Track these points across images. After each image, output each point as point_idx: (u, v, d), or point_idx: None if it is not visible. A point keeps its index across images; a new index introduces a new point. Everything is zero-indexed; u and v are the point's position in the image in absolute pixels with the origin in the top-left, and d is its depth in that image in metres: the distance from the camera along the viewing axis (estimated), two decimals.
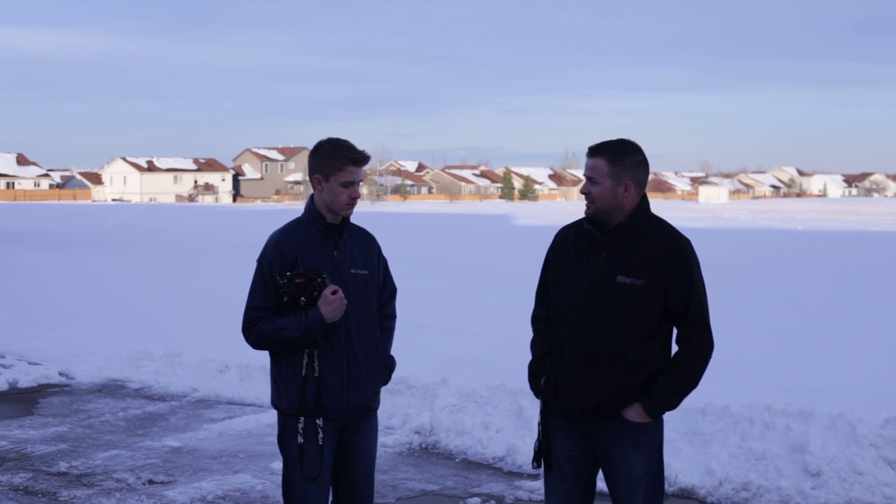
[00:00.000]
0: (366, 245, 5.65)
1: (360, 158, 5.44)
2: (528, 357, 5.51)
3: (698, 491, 8.22)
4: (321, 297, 5.30)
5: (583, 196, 5.19)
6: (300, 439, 5.40)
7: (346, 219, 5.55)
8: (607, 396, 5.13)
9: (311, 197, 5.54)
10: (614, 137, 5.25)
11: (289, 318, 5.33)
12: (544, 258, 5.46)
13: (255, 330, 5.40)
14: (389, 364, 5.76)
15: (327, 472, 5.48)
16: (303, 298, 5.31)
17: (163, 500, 8.10)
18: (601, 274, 5.13)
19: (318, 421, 5.40)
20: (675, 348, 5.28)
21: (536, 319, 5.52)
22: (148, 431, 10.25)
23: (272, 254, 5.42)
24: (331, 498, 5.67)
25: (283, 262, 5.39)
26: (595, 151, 5.18)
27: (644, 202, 5.22)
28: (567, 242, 5.33)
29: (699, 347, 5.21)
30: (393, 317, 5.83)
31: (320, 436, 5.41)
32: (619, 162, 5.14)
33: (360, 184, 5.50)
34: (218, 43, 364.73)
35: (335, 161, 5.40)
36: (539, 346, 5.47)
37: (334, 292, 5.32)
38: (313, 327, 5.30)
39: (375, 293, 5.64)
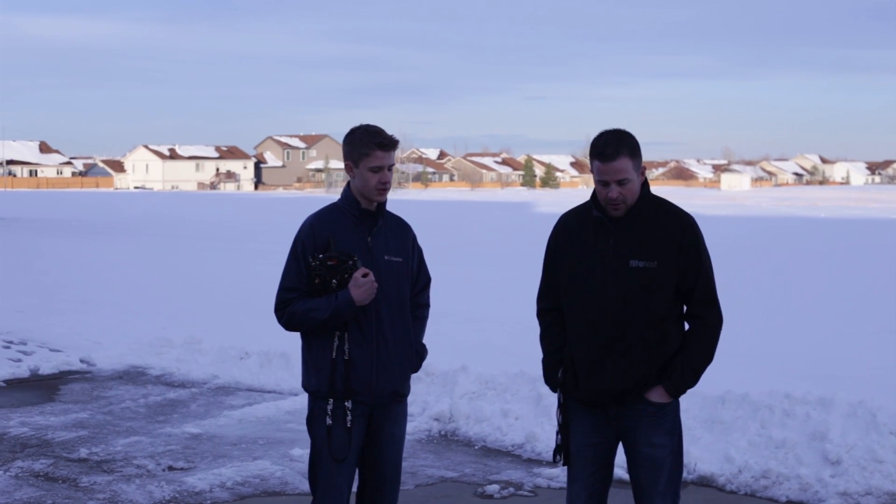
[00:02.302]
0: (401, 233, 5.67)
1: (388, 143, 5.46)
2: None
3: (718, 479, 8.20)
4: (352, 280, 5.33)
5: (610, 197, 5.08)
6: (328, 421, 5.43)
7: (382, 205, 5.57)
8: (631, 381, 5.15)
9: (348, 183, 5.57)
10: (609, 129, 5.14)
11: (319, 300, 5.36)
12: (546, 248, 5.42)
13: (287, 311, 5.45)
14: (421, 352, 5.78)
15: (354, 456, 5.50)
16: (334, 281, 5.35)
17: (182, 486, 8.14)
18: (613, 260, 5.12)
19: (346, 403, 5.42)
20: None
21: (544, 312, 5.48)
22: (168, 418, 10.28)
23: (306, 236, 5.47)
24: (356, 483, 5.70)
25: (317, 244, 5.43)
26: (616, 153, 5.05)
27: (645, 184, 5.21)
28: (571, 230, 5.29)
29: (710, 322, 5.22)
30: (426, 305, 5.84)
31: (348, 418, 5.43)
32: (636, 154, 5.13)
33: (391, 169, 5.51)
34: (240, 30, 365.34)
35: (363, 147, 5.43)
36: (550, 340, 5.44)
37: (365, 275, 5.34)
38: (343, 309, 5.32)
39: (409, 281, 5.66)
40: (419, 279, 5.77)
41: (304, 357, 5.57)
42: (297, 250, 5.48)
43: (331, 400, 5.43)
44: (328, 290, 5.36)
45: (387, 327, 5.50)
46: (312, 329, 5.45)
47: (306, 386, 5.56)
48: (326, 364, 5.44)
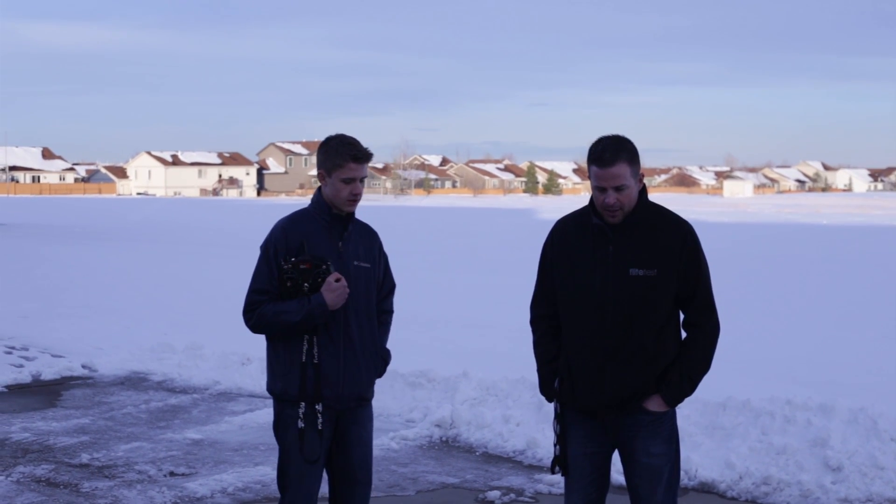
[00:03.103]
0: (368, 239, 5.72)
1: (362, 156, 5.49)
2: None
3: (718, 485, 8.20)
4: (325, 284, 5.38)
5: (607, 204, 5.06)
6: (301, 424, 5.47)
7: (351, 212, 5.61)
8: (630, 390, 5.12)
9: (319, 189, 5.61)
10: (607, 135, 5.11)
11: (291, 303, 5.40)
12: (542, 255, 5.40)
13: (257, 313, 5.48)
14: (385, 357, 5.83)
15: (322, 459, 5.55)
16: (306, 284, 5.39)
17: (184, 491, 8.14)
18: (613, 268, 5.09)
19: (317, 407, 5.47)
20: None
21: (539, 320, 5.44)
22: (170, 424, 10.29)
23: (278, 239, 5.51)
24: (328, 489, 5.74)
25: (289, 248, 5.47)
26: (614, 158, 5.01)
27: (643, 190, 5.19)
28: (568, 237, 5.26)
29: (708, 330, 5.20)
30: (390, 311, 5.90)
31: (319, 420, 5.48)
32: (634, 160, 5.09)
33: (363, 181, 5.55)
34: (242, 36, 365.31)
35: (337, 157, 5.48)
36: (545, 349, 5.41)
37: (338, 280, 5.39)
38: (315, 313, 5.37)
39: (375, 287, 5.71)
40: (384, 285, 5.82)
41: (270, 360, 5.61)
42: (269, 253, 5.51)
43: (302, 403, 5.47)
44: (299, 293, 5.40)
45: (354, 332, 5.55)
46: (281, 332, 5.48)
47: (272, 389, 5.60)
48: (296, 368, 5.48)
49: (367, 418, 5.71)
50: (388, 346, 5.91)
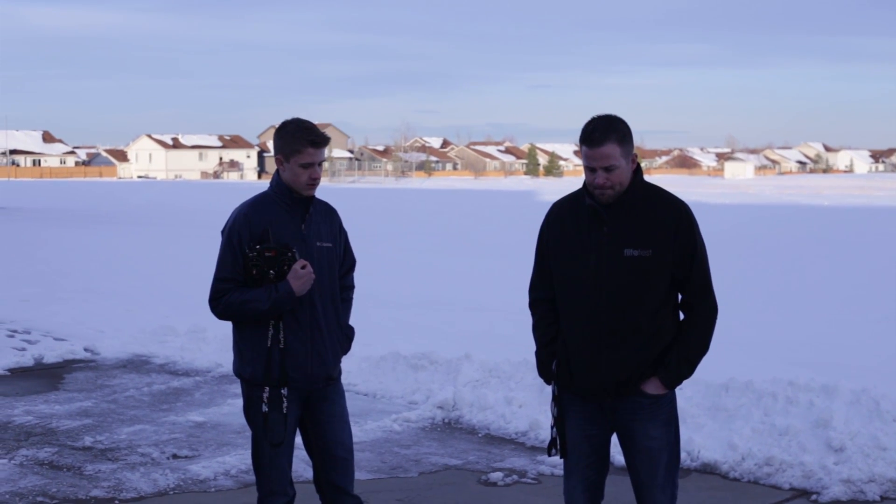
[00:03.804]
0: (329, 218, 5.73)
1: (320, 140, 5.49)
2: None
3: (721, 466, 8.20)
4: (291, 272, 5.38)
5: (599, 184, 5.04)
6: (265, 408, 5.50)
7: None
8: (627, 372, 5.11)
9: (277, 171, 5.60)
10: (600, 114, 5.09)
11: (258, 291, 5.41)
12: (538, 237, 5.38)
13: (223, 301, 5.49)
14: (349, 334, 5.86)
15: (290, 438, 5.59)
16: (272, 272, 5.39)
17: (186, 474, 8.15)
18: (607, 249, 5.07)
19: (282, 391, 5.50)
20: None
21: (537, 303, 5.43)
22: (172, 406, 10.30)
23: (241, 226, 5.49)
24: (312, 470, 5.79)
25: (252, 234, 5.46)
26: (603, 138, 4.99)
27: (638, 171, 5.16)
28: (563, 219, 5.24)
29: (706, 312, 5.17)
30: (352, 287, 5.92)
31: (284, 404, 5.51)
32: (626, 140, 5.05)
33: (321, 165, 5.57)
34: (243, 20, 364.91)
35: (295, 143, 5.47)
36: (544, 331, 5.39)
37: (304, 267, 5.40)
38: (283, 300, 5.38)
39: (337, 265, 5.74)
40: (345, 262, 5.84)
41: (237, 344, 5.62)
42: (233, 241, 5.49)
43: (266, 388, 5.50)
44: (265, 280, 5.40)
45: (320, 314, 5.58)
46: (249, 319, 5.49)
47: (240, 372, 5.62)
48: (262, 352, 5.50)
49: (337, 394, 5.73)
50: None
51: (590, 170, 5.06)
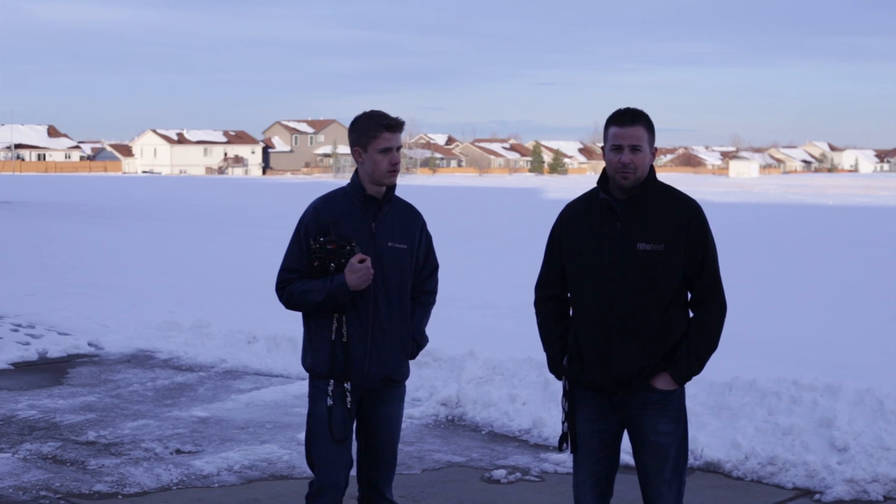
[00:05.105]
0: (409, 220, 5.72)
1: (394, 124, 5.53)
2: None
3: (724, 465, 8.20)
4: (348, 265, 5.40)
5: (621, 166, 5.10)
6: (329, 401, 5.52)
7: (390, 191, 5.62)
8: (638, 366, 5.15)
9: (357, 170, 5.63)
10: (624, 106, 5.22)
11: (316, 282, 5.46)
12: (550, 235, 5.42)
13: (287, 290, 5.57)
14: (419, 339, 5.81)
15: (350, 437, 5.61)
16: (332, 264, 5.44)
17: (190, 469, 8.16)
18: (620, 243, 5.13)
19: (346, 385, 5.51)
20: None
21: (544, 301, 5.47)
22: (176, 401, 10.30)
23: (310, 219, 5.56)
24: (356, 467, 5.77)
25: (319, 227, 5.52)
26: (634, 119, 5.14)
27: (652, 170, 5.24)
28: (578, 217, 5.29)
29: (715, 309, 5.23)
30: (432, 292, 5.88)
31: (348, 399, 5.53)
32: (652, 130, 5.19)
33: (399, 150, 5.58)
34: (248, 15, 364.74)
35: (370, 130, 5.51)
36: (552, 329, 5.43)
37: (361, 261, 5.40)
38: (336, 293, 5.41)
39: (411, 268, 5.70)
40: (426, 266, 5.81)
41: (305, 336, 5.68)
42: (301, 232, 5.58)
43: (331, 381, 5.52)
44: (326, 272, 5.46)
45: (383, 313, 5.57)
46: (309, 310, 5.55)
47: (304, 364, 5.66)
48: (325, 345, 5.54)
49: (395, 399, 5.72)
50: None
51: (616, 149, 5.13)
